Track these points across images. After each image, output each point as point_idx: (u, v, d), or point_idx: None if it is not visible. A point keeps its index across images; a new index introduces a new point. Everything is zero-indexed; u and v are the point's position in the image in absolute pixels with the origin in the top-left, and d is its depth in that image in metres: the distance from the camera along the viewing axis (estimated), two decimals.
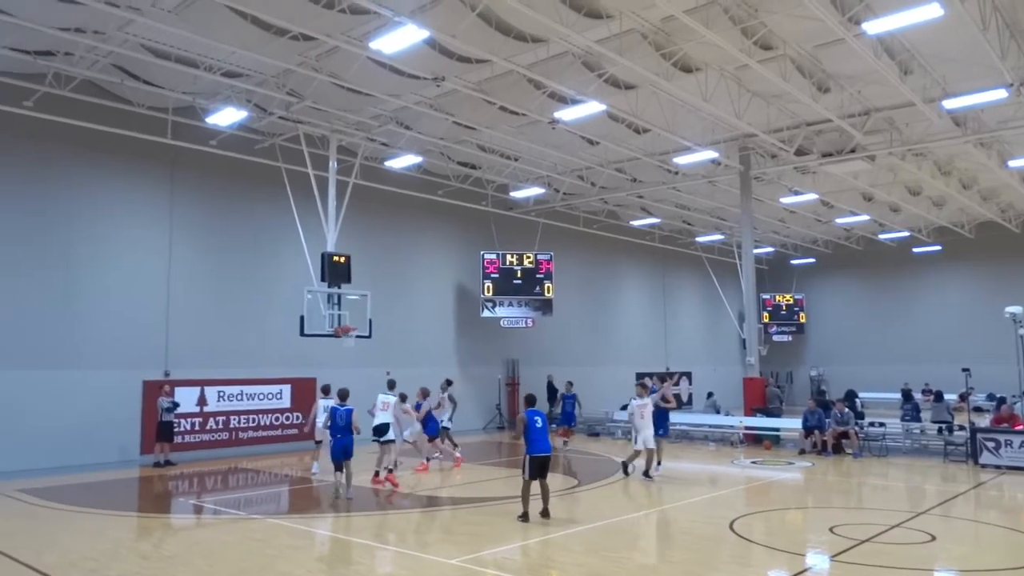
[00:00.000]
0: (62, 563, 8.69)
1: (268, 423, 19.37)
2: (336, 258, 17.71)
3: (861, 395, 27.47)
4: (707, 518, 11.23)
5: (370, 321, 17.92)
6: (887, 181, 24.31)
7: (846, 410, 18.74)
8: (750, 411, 21.50)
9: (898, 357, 35.34)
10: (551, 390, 25.15)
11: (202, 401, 18.29)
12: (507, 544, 9.50)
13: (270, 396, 19.47)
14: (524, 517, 10.55)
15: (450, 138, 20.46)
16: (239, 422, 18.86)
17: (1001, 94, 15.56)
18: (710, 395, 26.64)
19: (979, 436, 16.07)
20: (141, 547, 9.83)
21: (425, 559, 8.80)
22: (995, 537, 10.12)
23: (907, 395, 21.78)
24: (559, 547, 9.36)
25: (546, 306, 26.12)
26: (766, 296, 38.47)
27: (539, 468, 10.68)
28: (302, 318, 16.83)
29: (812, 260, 39.07)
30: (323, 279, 17.63)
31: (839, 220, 30.52)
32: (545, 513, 10.67)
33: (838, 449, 18.07)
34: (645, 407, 14.44)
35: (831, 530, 9.97)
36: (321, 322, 17.34)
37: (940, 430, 17.84)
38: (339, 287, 17.75)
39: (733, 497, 13.31)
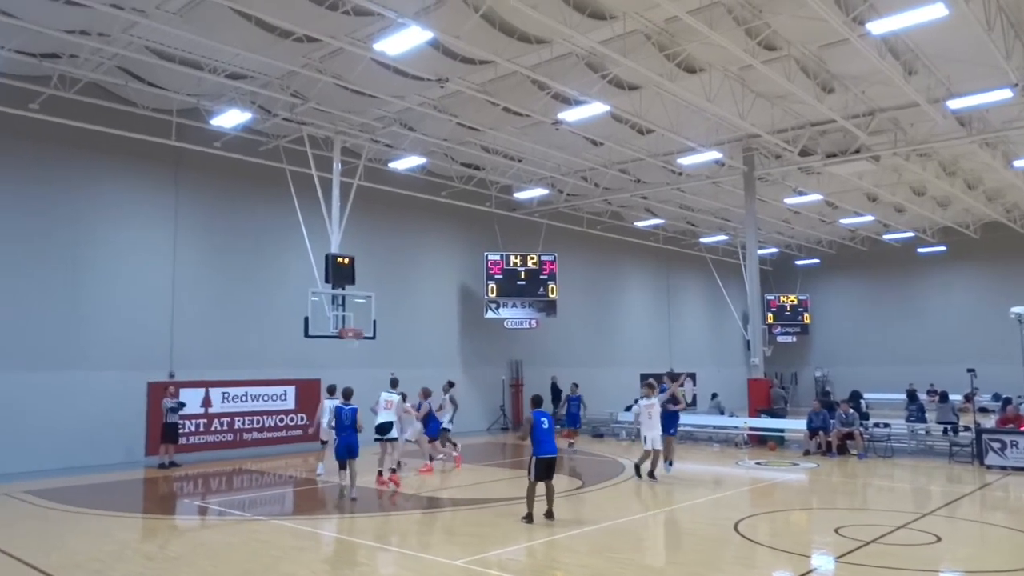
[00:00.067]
0: (68, 564, 8.71)
1: (272, 424, 19.39)
2: (340, 259, 17.73)
3: (866, 396, 27.48)
4: (712, 519, 11.21)
5: (374, 322, 17.95)
6: (891, 181, 24.26)
7: (851, 411, 18.71)
8: (754, 412, 21.46)
9: (903, 358, 35.26)
10: (555, 391, 25.14)
11: (206, 402, 18.31)
12: (511, 545, 9.49)
13: (274, 397, 19.49)
14: (528, 518, 10.54)
15: (454, 139, 20.48)
16: (243, 423, 18.88)
17: (1006, 94, 15.51)
18: (714, 396, 26.59)
19: (984, 437, 16.01)
20: (146, 548, 9.85)
21: (429, 560, 8.80)
22: (1001, 538, 10.08)
23: (912, 396, 21.75)
24: (563, 548, 9.36)
25: (550, 307, 26.12)
26: (770, 297, 38.39)
27: (545, 469, 10.67)
28: (306, 319, 16.85)
29: (816, 261, 38.99)
30: (327, 280, 17.65)
31: (843, 221, 30.45)
32: (549, 514, 10.67)
33: (843, 450, 18.03)
34: (652, 407, 14.43)
35: (836, 531, 9.94)
36: (325, 323, 17.36)
37: (945, 431, 17.79)
38: (343, 288, 17.78)
39: (738, 498, 13.28)
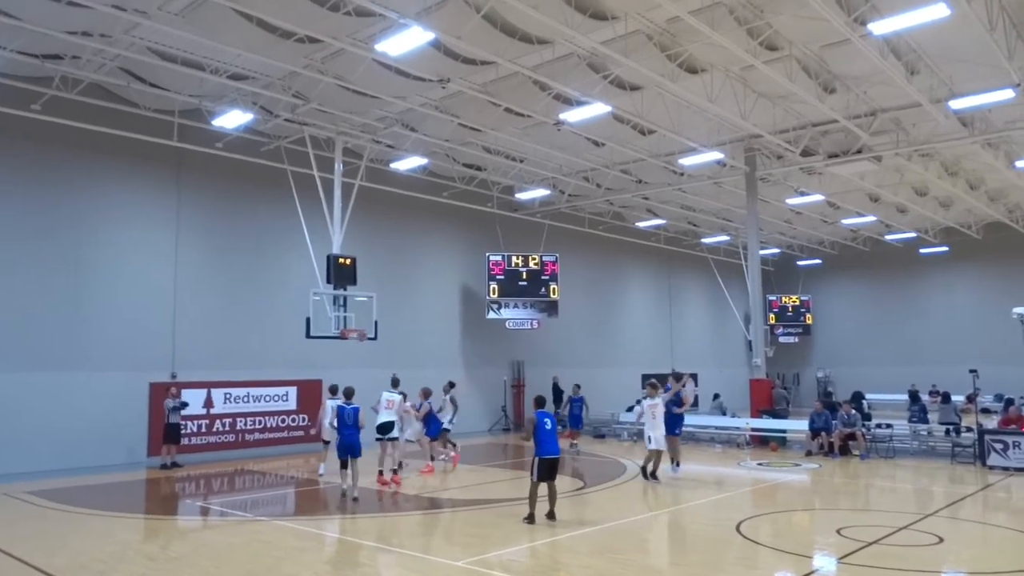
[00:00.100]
0: (71, 565, 8.72)
1: (274, 425, 19.40)
2: (342, 260, 17.73)
3: (868, 396, 27.46)
4: (714, 520, 11.20)
5: (376, 323, 17.94)
6: (893, 182, 24.23)
7: (853, 411, 18.69)
8: (756, 413, 21.45)
9: (905, 358, 35.22)
10: (556, 392, 25.13)
11: (208, 403, 18.32)
12: (513, 546, 9.48)
13: (276, 398, 19.51)
14: (530, 519, 10.53)
15: (455, 140, 20.48)
16: (245, 424, 18.90)
17: (1008, 94, 15.48)
18: (716, 397, 26.58)
19: (987, 438, 15.98)
20: (148, 549, 9.86)
21: (431, 561, 8.80)
22: (1003, 539, 10.06)
23: (914, 396, 21.70)
24: (565, 549, 9.35)
25: (551, 308, 26.12)
26: (772, 297, 38.37)
27: (548, 470, 10.67)
28: (308, 320, 16.85)
29: (818, 261, 38.95)
30: (329, 281, 17.65)
31: (845, 221, 30.42)
32: (551, 515, 10.66)
33: (845, 451, 18.01)
34: (656, 407, 14.42)
35: (838, 532, 9.93)
36: (327, 324, 17.36)
37: (947, 432, 17.76)
38: (345, 289, 17.77)
39: (740, 499, 13.27)
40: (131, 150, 17.75)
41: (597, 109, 16.41)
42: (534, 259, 26.08)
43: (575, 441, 19.87)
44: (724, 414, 24.11)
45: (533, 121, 18.36)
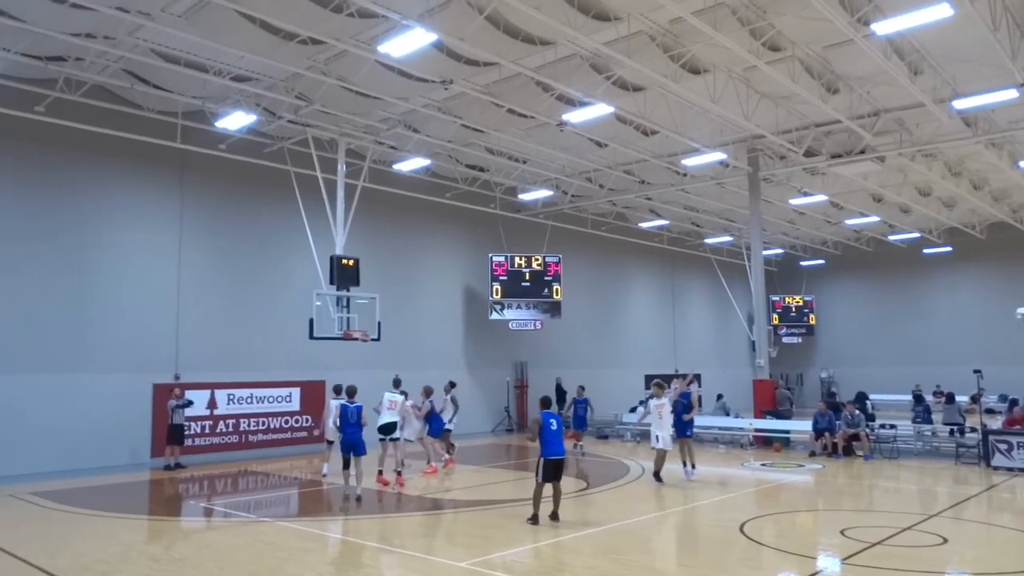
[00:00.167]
0: (75, 566, 8.74)
1: (278, 426, 19.42)
2: (345, 261, 17.76)
3: (872, 397, 27.42)
4: (717, 521, 11.19)
5: (379, 324, 17.97)
6: (897, 182, 24.20)
7: (857, 412, 18.66)
8: (760, 413, 21.42)
9: (909, 359, 35.16)
10: (559, 392, 25.13)
11: (212, 404, 18.35)
12: (516, 547, 9.48)
13: (279, 399, 19.53)
14: (534, 520, 10.52)
15: (458, 141, 20.49)
16: (249, 425, 18.92)
17: (1012, 94, 15.47)
18: (720, 397, 26.53)
19: (991, 438, 15.95)
20: (152, 550, 9.87)
21: (434, 562, 8.80)
22: (1007, 540, 10.03)
23: (918, 397, 21.70)
24: (569, 550, 9.35)
25: (554, 308, 26.12)
26: (775, 298, 38.33)
27: (553, 471, 10.66)
28: (311, 321, 16.88)
29: (822, 261, 38.90)
30: (332, 282, 17.67)
31: (849, 221, 30.39)
32: (554, 516, 10.66)
33: (848, 451, 17.98)
34: (663, 406, 14.39)
35: (842, 533, 9.91)
36: (330, 325, 17.38)
37: (951, 432, 17.71)
38: (348, 290, 17.79)
39: (743, 500, 13.25)
40: (135, 152, 17.79)
41: (600, 110, 16.42)
42: (537, 260, 26.08)
43: (579, 442, 19.84)
44: (728, 415, 24.07)
45: (536, 122, 18.37)
